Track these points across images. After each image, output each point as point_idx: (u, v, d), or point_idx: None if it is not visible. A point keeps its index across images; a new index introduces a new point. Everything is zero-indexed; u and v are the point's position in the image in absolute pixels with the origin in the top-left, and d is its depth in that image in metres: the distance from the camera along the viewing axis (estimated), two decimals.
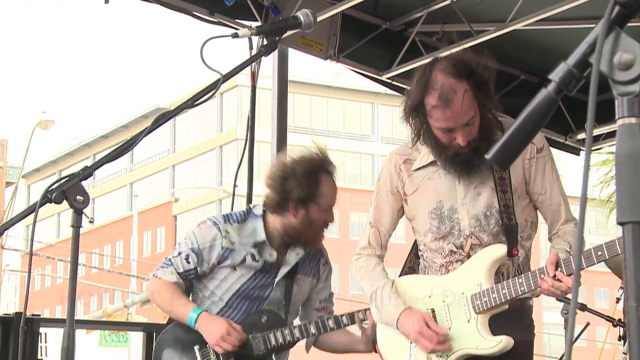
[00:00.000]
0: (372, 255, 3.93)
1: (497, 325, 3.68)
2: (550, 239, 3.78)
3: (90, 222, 3.15)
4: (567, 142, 8.51)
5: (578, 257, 1.49)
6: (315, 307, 4.55)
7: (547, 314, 46.37)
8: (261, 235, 4.35)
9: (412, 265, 4.01)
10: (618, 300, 5.97)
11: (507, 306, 3.68)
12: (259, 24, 6.90)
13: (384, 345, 3.97)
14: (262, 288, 4.36)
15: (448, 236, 3.75)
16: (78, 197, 2.96)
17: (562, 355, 7.10)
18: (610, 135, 8.22)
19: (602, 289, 54.15)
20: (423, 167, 3.81)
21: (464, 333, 3.69)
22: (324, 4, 6.89)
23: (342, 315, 4.35)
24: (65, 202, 2.94)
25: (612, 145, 8.66)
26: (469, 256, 3.72)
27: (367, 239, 3.94)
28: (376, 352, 4.06)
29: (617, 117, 1.52)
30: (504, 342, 3.64)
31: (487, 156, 1.70)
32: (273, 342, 4.33)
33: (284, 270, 4.37)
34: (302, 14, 3.36)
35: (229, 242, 4.32)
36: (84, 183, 3.00)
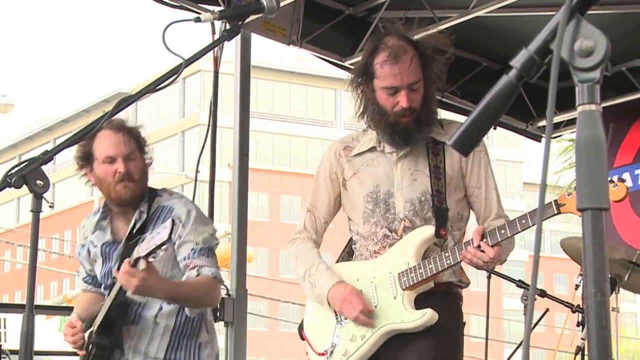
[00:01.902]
0: (307, 239, 3.99)
1: (422, 307, 3.73)
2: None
3: (51, 206, 3.13)
4: (528, 129, 8.55)
5: (537, 245, 1.50)
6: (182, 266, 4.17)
7: (507, 300, 46.74)
8: (101, 212, 4.32)
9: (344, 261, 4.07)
10: (577, 286, 6.01)
11: (432, 284, 3.76)
12: (221, 8, 6.86)
13: (310, 329, 4.02)
14: (109, 276, 4.24)
15: (382, 220, 3.82)
16: (38, 182, 2.94)
17: (521, 341, 7.16)
18: (571, 122, 8.27)
19: (561, 275, 54.65)
20: (362, 152, 3.90)
21: (390, 309, 3.75)
22: None
23: None
24: (25, 187, 2.92)
25: (573, 133, 8.72)
26: (401, 239, 3.80)
27: (303, 223, 4.02)
28: (303, 338, 4.06)
29: (577, 103, 1.53)
30: (428, 314, 3.69)
31: (449, 142, 1.70)
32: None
33: (117, 251, 4.24)
34: None
35: (83, 237, 4.37)
36: (44, 167, 2.97)
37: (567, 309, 5.96)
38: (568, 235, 6.35)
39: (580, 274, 5.92)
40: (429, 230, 3.76)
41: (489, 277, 6.04)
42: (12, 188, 2.94)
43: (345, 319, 3.82)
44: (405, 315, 3.72)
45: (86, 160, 4.26)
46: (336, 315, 3.86)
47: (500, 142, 55.89)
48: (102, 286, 4.32)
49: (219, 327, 5.34)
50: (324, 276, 3.84)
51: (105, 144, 4.19)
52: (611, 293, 5.68)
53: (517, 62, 1.62)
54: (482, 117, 1.66)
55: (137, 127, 4.36)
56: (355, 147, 3.94)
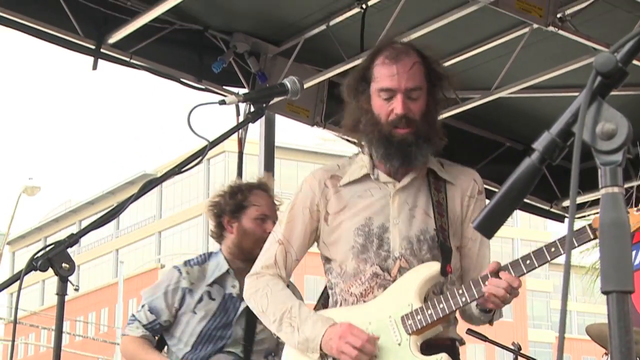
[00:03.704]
0: (277, 276, 3.41)
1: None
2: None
3: (76, 289, 3.14)
4: (552, 210, 8.54)
5: (562, 324, 1.50)
6: None
7: None
8: (224, 267, 4.42)
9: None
10: None
11: (441, 328, 3.26)
12: (246, 90, 6.95)
13: None
14: (223, 328, 4.37)
15: (373, 257, 3.29)
16: (64, 265, 2.94)
17: None
18: (595, 202, 8.25)
19: (589, 358, 53.90)
20: (354, 181, 3.39)
21: (394, 358, 3.21)
22: (310, 71, 6.95)
23: None
24: (50, 270, 2.93)
25: (597, 213, 8.68)
26: (395, 280, 3.27)
27: (272, 256, 3.42)
28: None
29: (600, 186, 1.53)
30: (444, 359, 3.21)
31: (473, 225, 1.70)
32: None
33: (243, 304, 4.27)
34: (289, 81, 3.38)
35: (188, 282, 4.38)
36: (69, 250, 2.98)
37: None
38: (594, 316, 6.31)
39: (606, 353, 5.86)
40: (434, 267, 3.25)
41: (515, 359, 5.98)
42: (38, 271, 2.95)
43: None
44: None
45: (236, 211, 4.39)
46: None
47: (525, 222, 55.67)
48: (199, 336, 4.34)
49: None
50: (312, 319, 3.28)
51: (262, 202, 4.42)
52: None
53: (539, 144, 1.63)
54: (506, 200, 1.66)
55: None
56: (345, 175, 3.41)
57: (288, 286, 3.50)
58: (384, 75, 3.25)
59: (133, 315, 4.41)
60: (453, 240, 3.36)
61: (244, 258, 4.36)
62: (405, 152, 3.25)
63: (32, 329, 46.47)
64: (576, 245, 3.23)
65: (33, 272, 2.96)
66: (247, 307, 3.90)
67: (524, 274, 3.13)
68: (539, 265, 3.15)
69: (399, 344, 3.21)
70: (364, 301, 3.30)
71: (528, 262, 3.13)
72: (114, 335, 36.12)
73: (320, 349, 3.23)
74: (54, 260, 2.94)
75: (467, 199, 3.41)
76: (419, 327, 3.19)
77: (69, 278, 2.96)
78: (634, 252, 7.80)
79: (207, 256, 4.50)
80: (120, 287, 35.50)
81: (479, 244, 3.41)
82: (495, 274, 3.11)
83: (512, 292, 3.11)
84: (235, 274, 4.40)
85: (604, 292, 1.50)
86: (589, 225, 3.11)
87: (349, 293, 3.34)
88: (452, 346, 3.34)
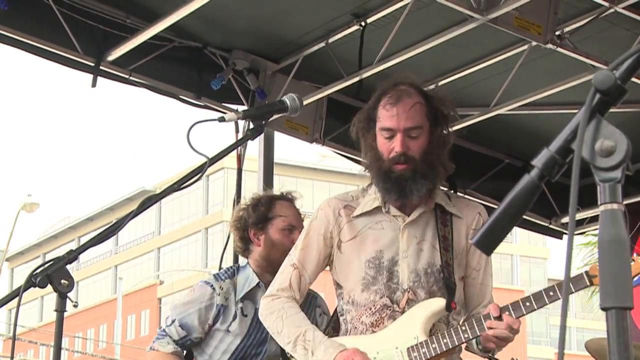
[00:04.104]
0: (292, 299, 3.63)
1: None
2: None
3: (75, 306, 3.13)
4: (551, 226, 8.54)
5: (561, 339, 1.49)
6: None
7: None
8: (254, 280, 4.38)
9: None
10: None
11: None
12: (245, 107, 6.95)
13: None
14: (257, 345, 4.34)
15: (383, 289, 3.52)
16: (63, 281, 2.94)
17: None
18: (594, 219, 8.25)
19: None
20: (365, 213, 3.60)
21: None
22: (309, 88, 6.96)
23: None
24: (49, 286, 2.93)
25: (596, 230, 8.68)
26: (403, 312, 3.50)
27: (288, 279, 3.64)
28: None
29: (599, 202, 1.54)
30: None
31: (471, 241, 1.71)
32: None
33: None
34: (288, 98, 3.39)
35: (223, 298, 4.34)
36: (68, 266, 2.98)
37: None
38: (593, 332, 6.29)
39: None
40: (439, 302, 3.48)
41: None
42: (37, 287, 2.95)
43: None
44: None
45: (261, 222, 4.38)
46: None
47: (524, 238, 55.63)
48: (232, 354, 4.34)
49: None
50: (324, 344, 3.48)
51: (288, 212, 4.42)
52: None
53: (538, 161, 1.63)
54: (505, 216, 1.66)
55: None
56: (357, 207, 3.62)
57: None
58: (385, 116, 3.48)
59: (164, 330, 4.33)
60: (457, 272, 3.57)
61: (272, 270, 4.28)
62: (402, 187, 3.47)
63: (30, 345, 46.37)
64: (573, 290, 3.43)
65: (32, 288, 2.96)
66: None
67: (524, 315, 3.38)
68: (538, 308, 3.39)
69: None
70: (374, 331, 3.53)
71: (527, 304, 3.38)
72: (113, 352, 36.06)
73: None
74: (53, 276, 2.94)
75: (472, 231, 3.60)
76: (424, 359, 3.43)
77: (68, 294, 2.96)
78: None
79: (236, 270, 4.44)
80: (119, 303, 35.49)
81: (482, 273, 3.63)
82: (497, 315, 3.35)
83: (513, 332, 3.36)
84: (265, 287, 4.35)
85: (603, 309, 1.50)
86: (586, 272, 3.34)
87: (360, 321, 3.56)
88: None
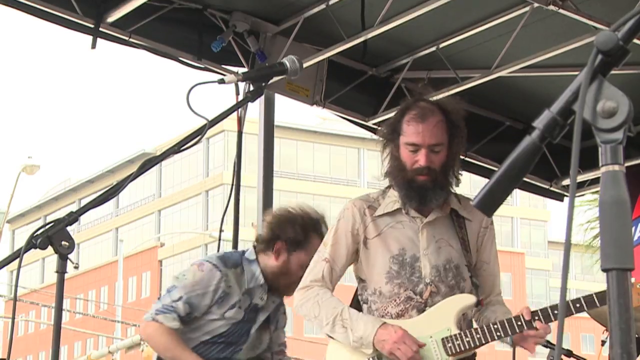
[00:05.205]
0: (325, 287, 3.93)
1: None
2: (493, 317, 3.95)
3: (75, 267, 3.14)
4: (551, 188, 8.53)
5: (562, 302, 1.49)
6: (274, 350, 4.64)
7: None
8: (260, 279, 4.44)
9: None
10: (603, 342, 5.95)
11: (475, 352, 3.90)
12: (245, 69, 6.93)
13: None
14: (239, 335, 4.43)
15: (407, 282, 3.86)
16: (63, 243, 2.95)
17: None
18: (595, 181, 8.24)
19: (587, 335, 54.08)
20: (387, 213, 3.94)
21: None
22: (310, 50, 6.93)
23: None
24: (50, 248, 2.93)
25: (596, 192, 8.68)
26: (426, 303, 3.85)
27: (320, 272, 3.93)
28: None
29: (600, 164, 1.53)
30: None
31: (473, 203, 1.70)
32: None
33: (261, 318, 4.47)
34: (288, 60, 3.38)
35: (227, 285, 4.38)
36: (69, 228, 2.99)
37: None
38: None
39: (606, 331, 5.87)
40: (471, 299, 3.86)
41: None
42: (38, 249, 2.96)
43: None
44: None
45: (294, 245, 4.44)
46: None
47: (524, 201, 55.72)
48: (216, 336, 4.41)
49: None
50: (363, 320, 3.80)
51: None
52: (637, 354, 5.61)
53: (539, 123, 1.62)
54: (506, 178, 1.66)
55: None
56: (379, 207, 3.96)
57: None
58: (411, 132, 3.81)
59: (171, 305, 4.32)
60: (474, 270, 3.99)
61: (274, 286, 4.48)
62: (423, 195, 3.84)
63: (32, 307, 46.56)
64: (586, 308, 3.79)
65: (33, 249, 2.97)
66: (266, 318, 4.48)
67: (551, 321, 3.76)
68: (566, 316, 3.68)
69: None
70: (401, 318, 3.86)
71: (555, 312, 3.73)
72: (114, 313, 36.22)
73: (373, 345, 3.77)
74: (54, 238, 2.95)
75: (482, 230, 4.02)
76: (458, 350, 3.79)
77: (69, 256, 2.97)
78: (633, 228, 7.81)
79: (241, 259, 4.48)
80: (120, 265, 35.57)
81: (492, 265, 4.04)
82: (529, 319, 3.74)
83: (542, 337, 3.79)
84: (268, 289, 4.48)
85: (603, 270, 1.50)
86: (596, 293, 3.74)
87: (385, 312, 3.88)
88: (472, 357, 3.98)
